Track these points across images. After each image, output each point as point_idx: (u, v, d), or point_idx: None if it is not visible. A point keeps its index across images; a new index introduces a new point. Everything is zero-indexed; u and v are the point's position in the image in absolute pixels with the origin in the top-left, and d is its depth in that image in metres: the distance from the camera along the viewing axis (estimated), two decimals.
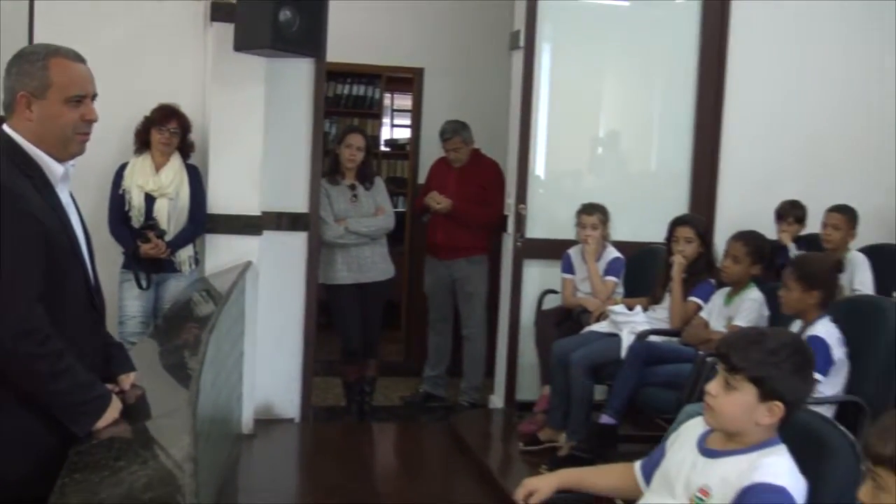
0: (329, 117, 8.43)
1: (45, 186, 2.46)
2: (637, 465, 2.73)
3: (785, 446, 2.39)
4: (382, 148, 9.73)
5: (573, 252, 5.66)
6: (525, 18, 5.89)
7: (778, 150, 6.31)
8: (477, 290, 6.52)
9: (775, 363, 2.36)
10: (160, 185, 5.21)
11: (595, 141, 6.52)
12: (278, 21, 4.91)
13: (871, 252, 5.47)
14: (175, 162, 5.28)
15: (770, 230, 5.54)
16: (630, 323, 4.96)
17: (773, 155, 6.29)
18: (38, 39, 4.99)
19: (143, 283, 5.16)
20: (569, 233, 5.67)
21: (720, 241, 5.14)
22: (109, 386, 2.61)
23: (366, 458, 5.76)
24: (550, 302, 5.86)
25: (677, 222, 5.18)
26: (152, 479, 2.11)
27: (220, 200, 5.42)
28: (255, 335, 5.52)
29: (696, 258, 5.06)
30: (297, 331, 5.87)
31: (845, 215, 5.44)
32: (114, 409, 2.47)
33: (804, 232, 5.84)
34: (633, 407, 4.80)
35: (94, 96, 2.54)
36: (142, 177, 5.22)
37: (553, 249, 5.82)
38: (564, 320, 5.60)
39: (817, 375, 3.82)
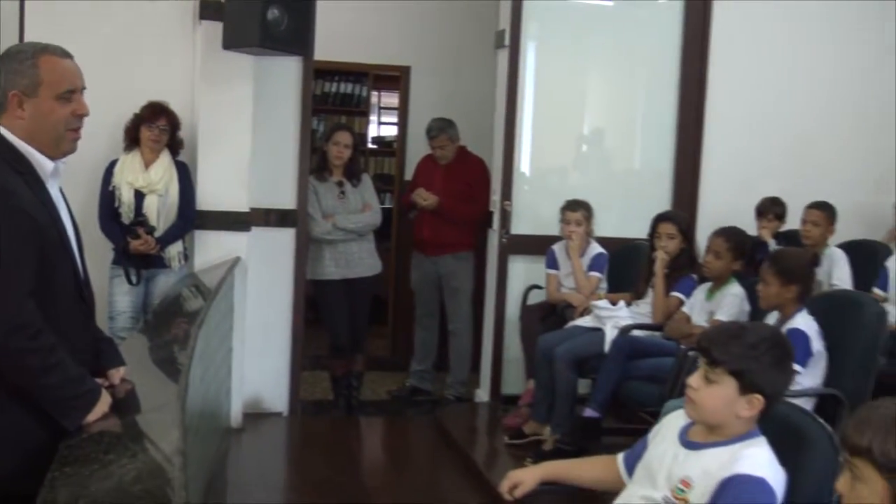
0: (317, 115, 8.43)
1: (35, 183, 2.45)
2: (620, 457, 2.74)
3: (765, 438, 2.40)
4: (370, 145, 9.74)
5: (557, 248, 5.67)
6: (510, 18, 5.89)
7: (758, 149, 6.33)
8: (463, 285, 6.53)
9: (755, 357, 2.37)
10: (150, 181, 5.20)
11: (579, 139, 6.53)
12: (266, 20, 4.90)
13: (850, 248, 5.49)
14: (164, 159, 5.27)
15: (750, 227, 5.56)
16: (613, 318, 4.97)
17: (753, 153, 6.32)
18: (28, 38, 4.98)
19: (133, 279, 5.14)
20: (553, 229, 5.67)
21: (702, 237, 5.16)
22: (99, 380, 2.61)
23: (353, 452, 5.75)
24: (535, 297, 5.87)
25: (660, 219, 5.19)
26: (142, 472, 2.11)
27: (209, 197, 5.41)
28: (243, 330, 5.51)
29: (678, 254, 5.08)
30: (285, 326, 5.86)
31: (824, 212, 5.46)
32: (103, 404, 2.47)
33: (784, 228, 5.87)
34: (617, 400, 4.81)
35: (83, 89, 2.54)
36: (131, 173, 5.20)
37: (538, 245, 5.83)
38: (549, 315, 5.61)
39: (797, 367, 3.84)
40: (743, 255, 4.73)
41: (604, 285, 5.60)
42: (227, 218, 5.44)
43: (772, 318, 4.09)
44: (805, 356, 3.90)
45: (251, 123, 5.47)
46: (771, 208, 5.86)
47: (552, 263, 5.68)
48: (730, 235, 4.73)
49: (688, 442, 2.49)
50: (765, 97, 6.33)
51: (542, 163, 6.34)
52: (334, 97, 9.28)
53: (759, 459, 2.33)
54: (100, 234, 5.15)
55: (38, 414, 2.37)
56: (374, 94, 9.67)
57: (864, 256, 5.48)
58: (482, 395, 6.26)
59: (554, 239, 5.68)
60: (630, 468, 2.67)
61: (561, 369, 4.91)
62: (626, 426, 5.17)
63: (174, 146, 5.33)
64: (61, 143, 2.51)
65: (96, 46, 5.16)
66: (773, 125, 6.35)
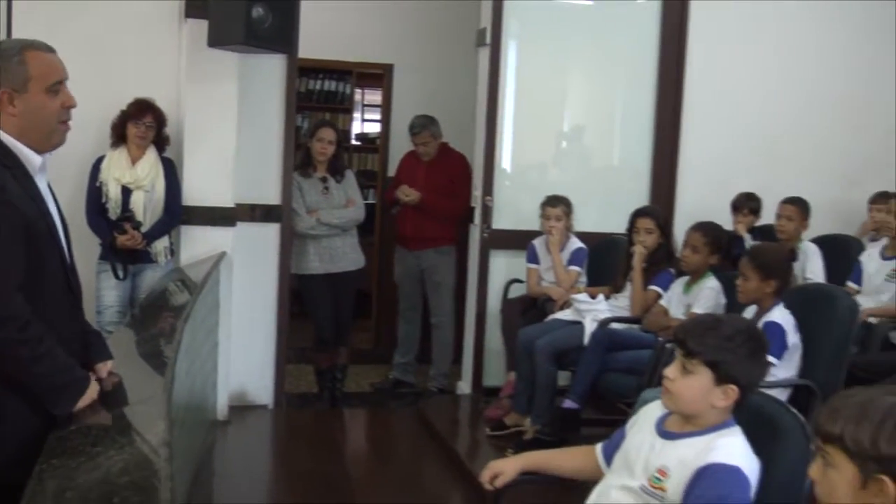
0: (301, 112, 8.41)
1: (24, 177, 2.45)
2: (598, 447, 2.75)
3: (739, 428, 2.42)
4: (353, 142, 9.71)
5: (538, 243, 5.68)
6: (491, 16, 5.89)
7: (734, 146, 6.35)
8: (445, 279, 6.53)
9: (730, 348, 2.38)
10: (136, 177, 5.18)
11: (559, 135, 6.54)
12: (251, 18, 4.88)
13: (823, 242, 5.52)
14: (151, 155, 5.25)
15: (726, 222, 5.58)
16: (593, 311, 4.98)
17: (729, 150, 6.34)
18: (16, 35, 4.95)
19: (120, 274, 5.13)
20: (534, 224, 5.68)
21: (679, 231, 5.18)
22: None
23: (337, 443, 5.75)
24: (516, 291, 5.88)
25: (638, 214, 5.21)
26: (128, 464, 2.11)
27: (195, 192, 5.40)
28: (229, 324, 5.51)
29: (656, 248, 5.09)
30: (270, 319, 5.85)
31: (798, 207, 5.49)
32: (92, 392, 2.49)
33: (759, 223, 5.90)
34: (596, 392, 4.81)
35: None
36: (118, 170, 5.18)
37: (518, 240, 5.84)
38: (529, 309, 5.61)
39: (773, 359, 3.88)
40: (719, 249, 4.75)
41: (583, 279, 5.61)
42: (212, 213, 5.42)
43: (749, 312, 4.12)
44: (781, 349, 3.93)
45: (236, 120, 5.45)
46: (746, 203, 5.89)
47: (532, 258, 5.69)
48: (707, 230, 4.75)
49: (664, 432, 2.50)
50: (740, 96, 6.35)
51: (523, 159, 6.34)
52: (318, 94, 9.26)
53: (733, 449, 2.35)
54: (87, 229, 5.13)
55: (31, 403, 2.38)
56: (358, 91, 9.64)
57: (837, 251, 5.51)
58: (464, 387, 6.27)
59: (534, 234, 5.69)
60: (608, 458, 2.68)
61: (541, 361, 4.92)
62: (604, 417, 5.18)
63: (160, 143, 5.31)
64: (53, 136, 2.52)
65: (83, 44, 5.16)
66: (748, 123, 6.37)
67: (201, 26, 5.14)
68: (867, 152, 6.50)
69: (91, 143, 5.25)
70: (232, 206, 5.50)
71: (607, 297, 5.18)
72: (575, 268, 5.55)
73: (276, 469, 5.33)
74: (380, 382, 6.88)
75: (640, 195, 6.20)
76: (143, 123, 5.18)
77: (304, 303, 6.34)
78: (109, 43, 5.42)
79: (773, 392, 3.45)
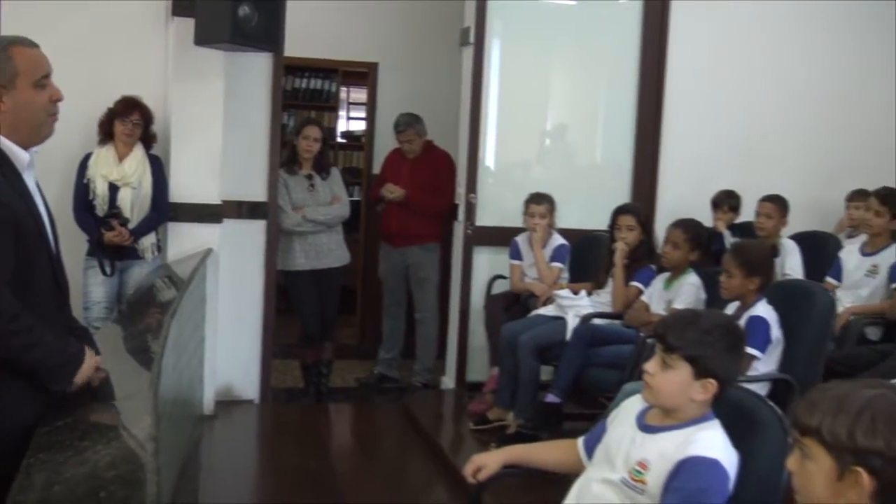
0: (287, 110, 8.38)
1: (12, 174, 2.46)
2: (580, 441, 2.75)
3: (718, 421, 2.43)
4: (339, 139, 9.70)
5: (520, 239, 5.69)
6: (475, 16, 5.89)
7: (714, 144, 6.37)
8: (429, 275, 6.54)
9: (709, 343, 2.40)
10: (123, 174, 5.17)
11: (542, 134, 6.55)
12: (237, 16, 4.88)
13: (801, 239, 5.55)
14: (138, 152, 5.23)
15: (706, 218, 5.60)
16: (575, 307, 4.99)
17: (709, 148, 6.36)
18: (5, 32, 4.92)
19: (107, 270, 5.11)
20: (517, 221, 5.69)
21: (660, 228, 5.19)
22: None
23: (323, 438, 5.74)
24: (499, 287, 5.88)
25: (620, 211, 5.22)
26: (115, 458, 2.11)
27: (182, 189, 5.38)
28: (215, 320, 5.50)
29: (637, 245, 5.11)
30: (256, 315, 5.84)
31: (777, 204, 5.51)
32: (89, 363, 2.54)
33: (738, 220, 5.92)
34: (578, 386, 4.82)
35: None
36: (105, 167, 5.17)
37: (502, 237, 5.84)
38: (512, 304, 5.62)
39: (756, 353, 3.90)
40: (700, 245, 4.77)
41: (565, 275, 5.62)
42: (199, 210, 5.41)
43: (731, 308, 4.13)
44: (765, 343, 3.96)
45: (223, 118, 5.44)
46: (726, 201, 5.92)
47: (515, 254, 5.69)
48: (687, 227, 4.77)
49: (645, 425, 2.51)
50: (721, 95, 6.37)
51: (507, 157, 6.35)
52: (304, 92, 9.24)
53: (712, 442, 2.36)
54: (74, 226, 5.11)
55: (25, 395, 2.41)
56: (343, 89, 9.64)
57: (815, 247, 5.54)
58: (448, 382, 6.27)
59: (517, 231, 5.70)
60: (590, 451, 2.68)
61: (524, 357, 4.92)
62: (586, 411, 5.18)
63: (147, 140, 5.29)
64: (42, 129, 2.53)
65: (71, 42, 5.14)
66: (728, 122, 6.39)
67: (188, 25, 5.13)
68: (844, 151, 6.55)
69: (78, 141, 5.23)
70: (218, 202, 5.48)
71: (589, 293, 5.19)
72: (557, 264, 5.56)
73: (263, 463, 5.33)
74: (365, 377, 6.88)
75: (621, 193, 6.22)
76: (130, 121, 5.17)
77: (289, 299, 6.33)
78: (97, 41, 5.41)
79: (753, 386, 3.46)
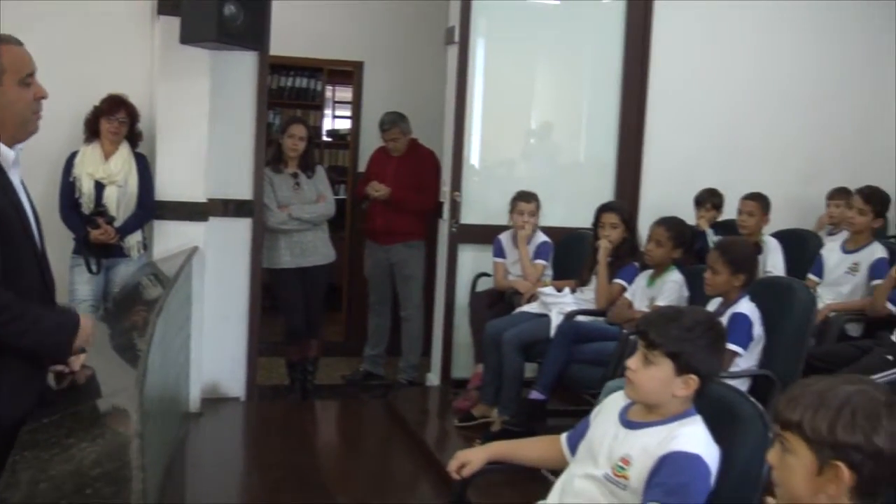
0: (272, 108, 8.39)
1: None
2: (563, 437, 2.76)
3: (700, 417, 2.44)
4: (324, 138, 9.69)
5: (504, 237, 5.69)
6: (459, 15, 5.89)
7: (697, 143, 6.40)
8: (414, 273, 6.54)
9: (690, 339, 2.41)
10: (109, 172, 5.15)
11: (527, 132, 6.57)
12: (223, 15, 4.87)
13: (783, 236, 5.57)
14: (123, 150, 5.21)
15: (689, 216, 5.62)
16: (559, 304, 5.00)
17: (692, 146, 6.38)
18: None
19: (94, 268, 5.09)
20: (502, 219, 5.69)
21: (643, 226, 5.20)
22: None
23: (309, 435, 5.74)
24: (484, 284, 5.89)
25: (603, 209, 5.23)
26: (101, 455, 2.10)
27: (168, 188, 5.37)
28: (201, 317, 5.49)
29: (620, 243, 5.12)
30: (242, 313, 5.83)
31: (759, 202, 5.53)
32: (84, 327, 2.58)
33: (721, 218, 5.94)
34: (562, 383, 4.83)
35: None
36: (91, 165, 5.15)
37: (486, 235, 5.84)
38: (497, 302, 5.62)
39: (739, 349, 3.91)
40: (683, 243, 4.78)
41: (549, 272, 5.62)
42: (185, 208, 5.40)
43: (713, 305, 4.14)
44: (748, 340, 3.97)
45: (208, 116, 5.42)
46: (709, 199, 5.94)
47: (499, 252, 5.70)
48: (670, 225, 4.78)
49: (627, 421, 2.52)
50: (703, 95, 6.40)
51: (491, 155, 6.35)
52: (290, 91, 9.24)
53: (694, 437, 2.37)
54: (60, 224, 5.09)
55: (16, 388, 2.43)
56: (329, 88, 9.62)
57: (796, 245, 5.56)
58: (433, 379, 6.27)
59: (502, 228, 5.70)
60: (573, 447, 2.69)
61: (508, 353, 4.93)
62: (570, 408, 5.20)
63: (133, 138, 5.27)
64: (28, 125, 2.53)
65: (57, 40, 5.13)
66: (710, 121, 6.42)
67: (174, 23, 5.12)
68: (825, 150, 6.59)
69: (64, 139, 5.21)
70: (204, 200, 5.47)
71: (573, 291, 5.19)
72: (540, 261, 5.56)
73: (249, 460, 5.32)
74: (350, 375, 6.87)
75: (605, 191, 6.23)
76: (115, 119, 5.15)
77: (275, 296, 6.32)
78: (83, 39, 5.38)
79: (734, 382, 3.48)
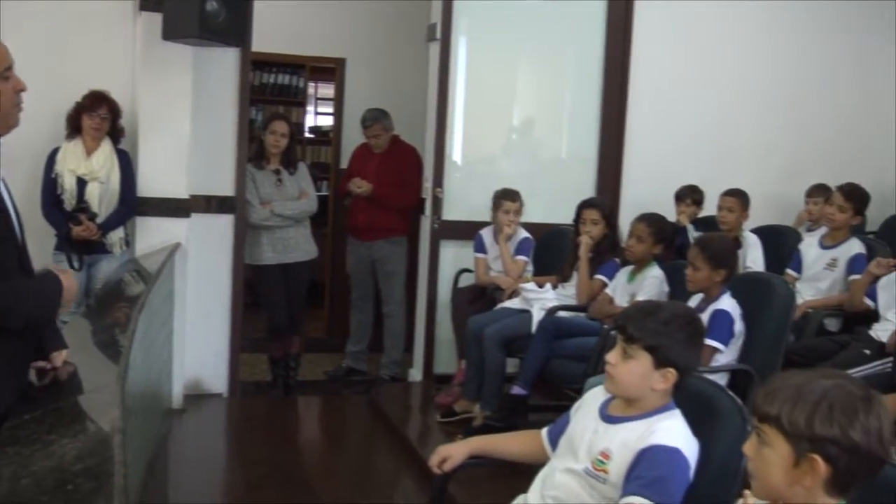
0: (255, 105, 8.36)
1: None
2: (544, 431, 2.77)
3: (679, 411, 2.46)
4: (306, 134, 9.69)
5: (485, 233, 5.70)
6: (441, 12, 5.90)
7: (677, 139, 6.42)
8: (396, 269, 6.53)
9: (668, 333, 2.42)
10: (91, 169, 5.13)
11: (508, 129, 6.57)
12: (205, 11, 4.86)
13: (762, 232, 5.59)
14: (106, 147, 5.19)
15: (670, 213, 5.64)
16: (540, 299, 5.01)
17: (672, 143, 6.41)
18: None
19: (76, 264, 5.07)
20: (483, 215, 5.70)
21: (624, 222, 5.21)
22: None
23: (291, 431, 5.74)
24: (466, 280, 5.89)
25: (584, 205, 5.24)
26: (82, 451, 2.10)
27: (150, 184, 5.35)
28: (184, 314, 5.47)
29: (601, 238, 5.12)
30: (224, 309, 5.82)
31: (738, 199, 5.55)
32: (68, 287, 2.60)
33: (701, 214, 5.97)
34: (543, 378, 4.84)
35: None
36: (73, 161, 5.13)
37: (468, 231, 5.85)
38: (479, 297, 5.63)
39: (719, 346, 3.93)
40: (663, 239, 4.79)
41: (530, 268, 5.64)
42: (167, 204, 5.38)
43: (694, 301, 4.16)
44: (729, 336, 3.99)
45: (190, 112, 5.41)
46: (689, 195, 5.97)
47: (480, 248, 5.71)
48: (651, 221, 4.79)
49: (607, 416, 2.53)
50: (683, 92, 6.42)
51: (473, 152, 6.36)
52: (272, 88, 9.22)
53: (673, 431, 2.38)
54: (42, 220, 5.07)
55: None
56: (311, 85, 9.62)
57: (776, 240, 5.59)
58: (415, 374, 6.28)
59: (484, 224, 5.71)
60: (554, 442, 2.70)
61: (490, 349, 4.94)
62: (552, 403, 5.20)
63: (115, 134, 5.26)
64: (9, 119, 2.51)
65: (39, 36, 5.12)
66: (691, 118, 6.45)
67: (156, 19, 5.11)
68: (804, 147, 6.64)
69: (46, 135, 5.18)
70: (186, 197, 5.46)
71: (554, 287, 5.20)
72: (522, 257, 5.58)
73: (231, 456, 5.31)
74: (333, 371, 6.86)
75: (586, 187, 6.25)
76: (97, 115, 5.13)
77: (257, 293, 6.32)
78: (64, 35, 5.36)
79: (713, 376, 3.50)
